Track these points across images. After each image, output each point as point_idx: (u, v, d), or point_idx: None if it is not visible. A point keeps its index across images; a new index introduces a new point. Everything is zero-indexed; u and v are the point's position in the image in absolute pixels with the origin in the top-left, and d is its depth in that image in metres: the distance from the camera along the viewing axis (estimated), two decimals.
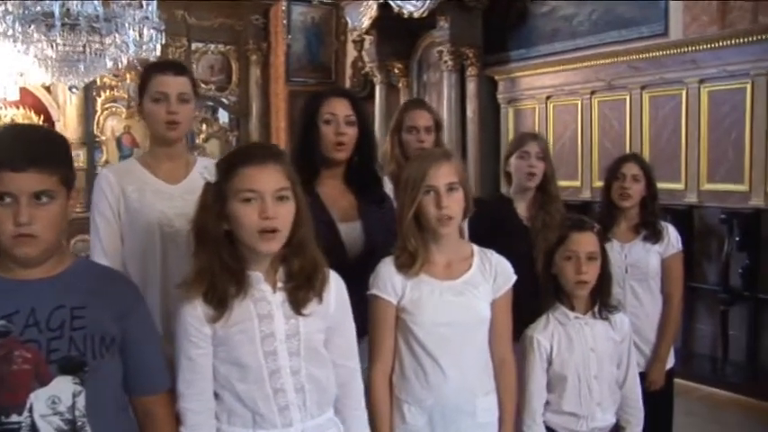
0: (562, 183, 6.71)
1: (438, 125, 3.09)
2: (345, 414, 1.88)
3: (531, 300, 2.39)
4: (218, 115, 10.98)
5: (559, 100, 7.01)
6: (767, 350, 5.36)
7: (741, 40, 5.40)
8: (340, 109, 2.50)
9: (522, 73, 7.31)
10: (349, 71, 10.60)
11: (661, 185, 5.69)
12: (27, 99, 9.00)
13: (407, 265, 2.04)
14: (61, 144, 1.63)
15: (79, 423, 1.53)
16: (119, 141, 9.72)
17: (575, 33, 6.80)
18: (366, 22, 8.08)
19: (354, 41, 10.14)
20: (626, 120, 6.36)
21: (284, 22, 10.71)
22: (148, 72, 2.50)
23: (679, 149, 5.94)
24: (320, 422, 1.80)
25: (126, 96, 9.58)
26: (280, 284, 1.77)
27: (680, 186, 5.90)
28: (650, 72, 6.12)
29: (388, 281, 2.05)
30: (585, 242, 2.27)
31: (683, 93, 5.89)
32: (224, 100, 10.82)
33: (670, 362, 3.12)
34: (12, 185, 1.47)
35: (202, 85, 10.51)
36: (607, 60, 6.45)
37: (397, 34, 8.17)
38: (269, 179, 1.69)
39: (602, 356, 2.28)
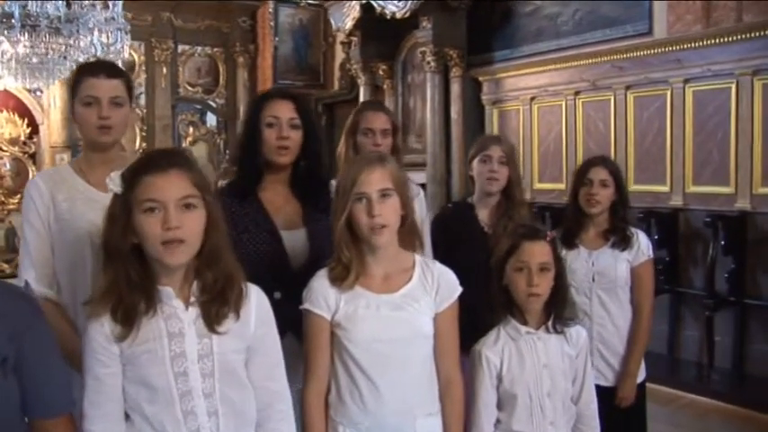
0: (546, 185, 6.68)
1: (395, 129, 2.96)
2: None
3: (488, 312, 2.26)
4: (205, 118, 10.91)
5: (544, 101, 6.92)
6: (754, 357, 5.25)
7: (726, 39, 5.32)
8: (283, 111, 2.38)
9: (507, 74, 7.22)
10: (337, 73, 10.50)
11: (646, 188, 5.76)
12: (10, 102, 8.96)
13: (341, 278, 1.91)
14: None
15: None
16: None
17: (559, 33, 6.72)
18: (349, 23, 7.98)
19: (343, 43, 10.05)
20: (611, 120, 6.28)
21: (271, 24, 10.66)
22: (80, 74, 2.37)
23: (664, 151, 5.87)
24: None
25: None
26: (192, 299, 1.65)
27: (665, 189, 5.82)
28: (635, 72, 6.04)
29: (321, 295, 1.92)
30: (538, 252, 2.13)
31: (668, 93, 5.81)
32: (211, 102, 10.77)
33: (641, 375, 2.98)
34: None
35: (189, 88, 10.47)
36: (591, 60, 6.37)
37: (381, 35, 8.08)
38: (172, 187, 1.58)
39: (556, 373, 2.14)
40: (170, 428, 1.61)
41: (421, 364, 1.96)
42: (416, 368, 1.95)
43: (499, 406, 2.14)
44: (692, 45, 5.56)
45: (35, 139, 9.20)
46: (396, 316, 1.92)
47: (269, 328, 1.76)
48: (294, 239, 2.33)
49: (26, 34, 4.20)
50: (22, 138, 9.12)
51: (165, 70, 10.23)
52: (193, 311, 1.64)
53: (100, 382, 1.60)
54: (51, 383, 1.57)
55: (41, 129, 9.24)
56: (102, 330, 1.60)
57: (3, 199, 9.08)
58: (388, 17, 7.38)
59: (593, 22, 6.40)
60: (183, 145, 10.43)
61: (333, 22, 8.69)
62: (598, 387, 2.46)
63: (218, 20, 10.48)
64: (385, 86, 8.42)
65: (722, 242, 5.31)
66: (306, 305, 1.93)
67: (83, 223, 2.25)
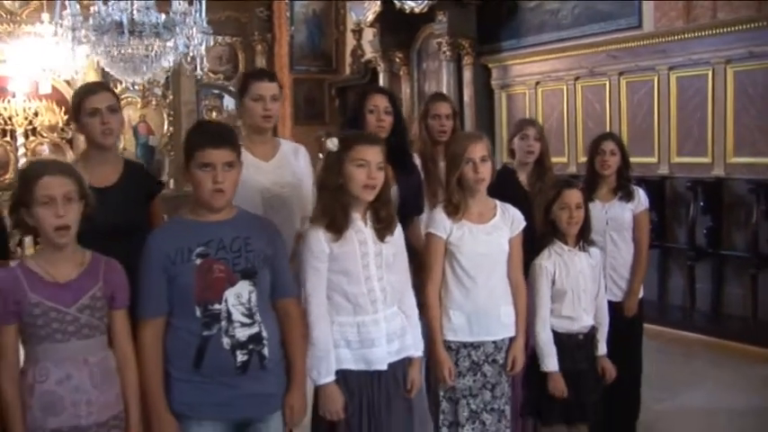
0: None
1: (455, 113, 3.91)
2: (404, 308, 2.70)
3: (529, 245, 3.18)
4: (223, 102, 11.60)
5: (547, 85, 7.83)
6: (728, 299, 6.25)
7: (703, 33, 6.25)
8: (380, 102, 3.35)
9: (514, 61, 8.13)
10: (349, 59, 11.38)
11: (637, 159, 6.67)
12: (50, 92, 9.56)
13: (453, 213, 2.88)
14: (234, 132, 2.46)
15: (254, 310, 2.35)
16: (135, 130, 10.34)
17: (559, 26, 7.62)
18: (370, 17, 8.84)
19: (353, 31, 10.86)
20: (606, 102, 7.20)
21: (287, 14, 11.40)
22: (248, 78, 3.28)
23: (652, 128, 6.78)
24: (393, 311, 2.64)
25: (141, 88, 10.18)
26: (369, 223, 2.60)
27: (653, 160, 6.76)
28: (626, 60, 6.96)
29: (441, 223, 2.89)
30: (575, 196, 3.12)
31: (655, 78, 6.73)
32: (231, 88, 11.48)
33: (641, 293, 3.96)
34: (213, 158, 2.29)
35: (211, 75, 11.19)
36: (588, 50, 7.28)
37: (398, 26, 8.95)
38: (376, 154, 2.53)
39: (587, 276, 3.15)
40: (360, 299, 2.55)
41: (502, 270, 2.95)
42: (499, 272, 2.94)
43: (552, 299, 3.12)
44: (675, 38, 6.48)
45: (72, 126, 9.92)
46: (488, 239, 2.90)
47: (402, 243, 2.71)
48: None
49: (132, 39, 5.09)
50: (60, 124, 9.76)
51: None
52: (370, 229, 2.59)
53: (317, 272, 2.53)
54: (288, 274, 2.52)
55: None
56: (318, 236, 2.52)
57: None
58: (407, 12, 8.28)
59: (589, 17, 7.31)
60: None
61: (353, 15, 9.54)
62: (610, 302, 3.43)
63: (237, 11, 11.18)
64: (401, 73, 9.29)
65: (701, 204, 6.25)
66: (430, 230, 2.91)
67: (255, 183, 3.11)
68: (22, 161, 9.53)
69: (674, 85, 6.59)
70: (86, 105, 2.85)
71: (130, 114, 10.25)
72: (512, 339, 2.98)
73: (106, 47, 5.16)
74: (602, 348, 3.22)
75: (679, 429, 4.23)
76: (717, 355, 5.58)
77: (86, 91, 2.94)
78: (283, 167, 3.26)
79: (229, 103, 11.70)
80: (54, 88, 9.55)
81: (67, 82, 9.55)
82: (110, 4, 4.94)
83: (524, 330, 3.02)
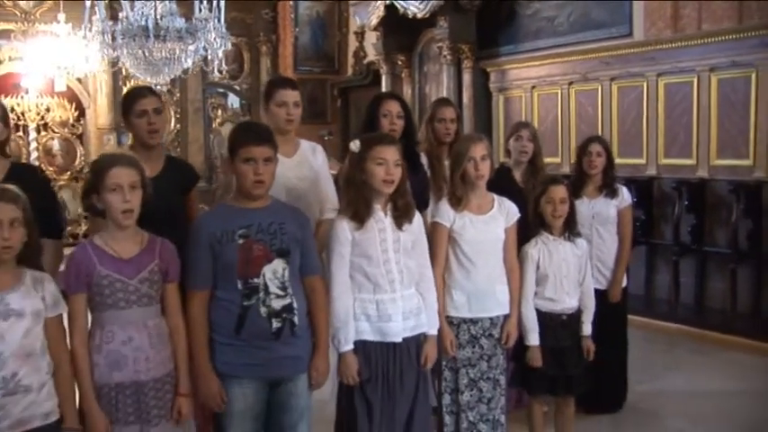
0: (545, 159, 7.94)
1: (459, 116, 4.29)
2: (422, 290, 3.07)
3: (523, 235, 3.57)
4: (227, 100, 11.89)
5: (543, 89, 8.20)
6: (710, 292, 6.62)
7: (689, 43, 6.63)
8: (393, 107, 3.76)
9: (511, 66, 8.49)
10: (351, 60, 11.72)
11: (626, 161, 7.17)
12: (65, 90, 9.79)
13: (456, 205, 3.27)
14: (272, 131, 2.85)
15: (287, 284, 2.72)
16: None
17: (555, 33, 7.98)
18: (374, 21, 9.20)
19: (356, 33, 11.21)
20: (598, 107, 7.57)
21: (292, 15, 11.73)
22: (272, 86, 3.63)
23: (641, 131, 7.15)
24: (411, 292, 3.01)
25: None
26: (389, 213, 2.97)
27: (642, 161, 7.13)
28: (618, 67, 7.33)
29: (445, 213, 3.28)
30: (559, 191, 3.50)
31: (645, 84, 7.10)
32: (236, 87, 11.80)
33: (624, 282, 4.37)
34: (255, 153, 2.67)
35: (217, 74, 11.47)
36: (582, 56, 7.65)
37: (400, 30, 9.32)
38: (393, 153, 2.90)
39: (570, 263, 3.52)
40: (380, 279, 2.91)
41: (498, 255, 3.33)
42: (496, 257, 3.33)
43: (537, 283, 3.50)
44: (664, 47, 6.86)
45: (82, 122, 10.14)
46: (486, 228, 3.29)
47: (422, 231, 3.09)
48: None
49: (157, 43, 5.47)
50: (71, 120, 10.07)
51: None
52: (389, 219, 2.96)
53: (341, 255, 2.91)
54: (315, 254, 2.90)
55: (88, 112, 10.12)
56: (343, 226, 2.90)
57: (54, 176, 9.80)
58: (410, 17, 8.64)
59: (584, 25, 7.68)
60: (213, 126, 11.54)
61: (357, 19, 9.90)
62: (595, 290, 3.78)
63: (243, 12, 11.41)
64: (403, 75, 9.65)
65: (686, 203, 6.61)
66: (436, 219, 3.30)
67: (280, 178, 3.46)
68: (34, 155, 9.86)
69: (662, 91, 6.95)
70: (136, 107, 3.23)
71: None
72: (506, 317, 3.37)
73: (132, 50, 5.54)
74: (586, 329, 3.59)
75: (661, 409, 4.57)
76: (698, 344, 5.95)
77: (136, 94, 3.33)
78: (303, 163, 3.63)
79: (233, 101, 12.01)
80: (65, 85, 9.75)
81: (79, 80, 9.87)
82: (136, 9, 5.33)
83: (518, 309, 3.41)
